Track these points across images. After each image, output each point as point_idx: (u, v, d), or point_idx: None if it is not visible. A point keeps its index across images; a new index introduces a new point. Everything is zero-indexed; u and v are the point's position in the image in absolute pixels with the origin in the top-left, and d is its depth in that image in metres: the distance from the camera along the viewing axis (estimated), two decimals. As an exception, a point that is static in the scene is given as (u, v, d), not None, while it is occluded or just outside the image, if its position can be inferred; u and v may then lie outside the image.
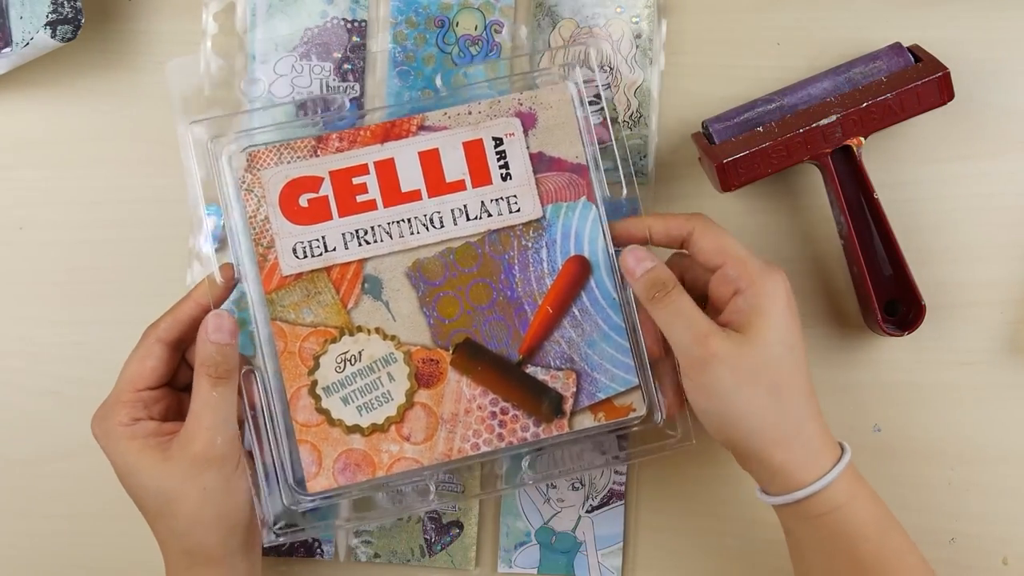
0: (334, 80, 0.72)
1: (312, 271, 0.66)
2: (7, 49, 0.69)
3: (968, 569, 0.71)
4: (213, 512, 0.63)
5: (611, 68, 0.71)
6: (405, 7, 0.72)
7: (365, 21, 0.72)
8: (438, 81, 0.69)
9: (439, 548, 0.72)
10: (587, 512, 0.71)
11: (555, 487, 0.71)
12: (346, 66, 0.72)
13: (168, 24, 0.74)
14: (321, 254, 0.66)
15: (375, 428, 0.66)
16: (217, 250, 0.71)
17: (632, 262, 0.64)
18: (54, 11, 0.68)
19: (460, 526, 0.71)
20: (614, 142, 0.67)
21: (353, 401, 0.66)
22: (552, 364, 0.66)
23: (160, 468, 0.62)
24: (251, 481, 0.64)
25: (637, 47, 0.71)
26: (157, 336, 0.64)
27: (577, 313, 0.67)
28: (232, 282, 0.66)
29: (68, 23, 0.69)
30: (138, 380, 0.64)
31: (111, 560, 0.73)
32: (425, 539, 0.71)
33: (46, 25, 0.68)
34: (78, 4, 0.69)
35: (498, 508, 0.72)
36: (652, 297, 0.63)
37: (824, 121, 0.67)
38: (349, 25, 0.72)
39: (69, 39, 0.69)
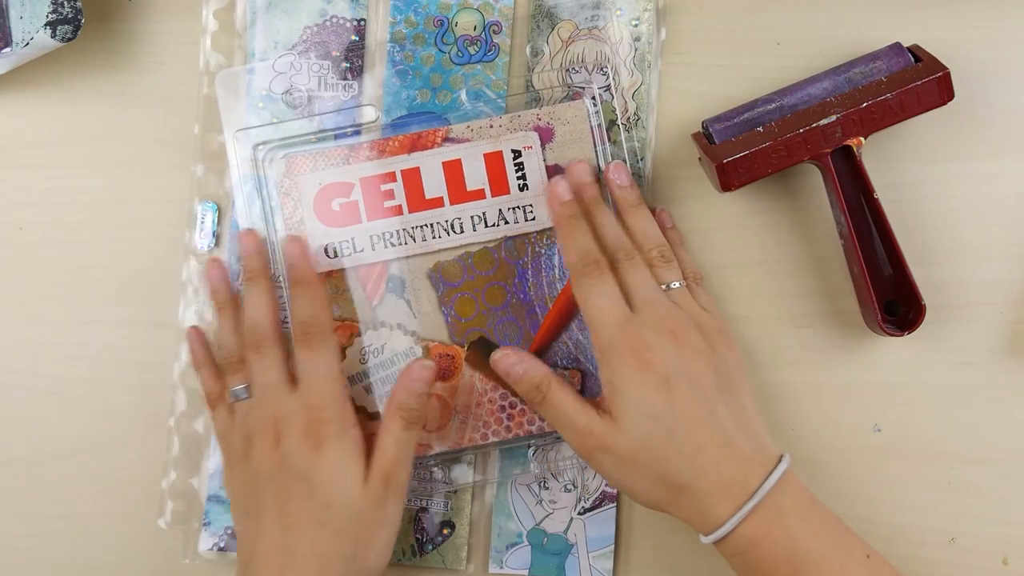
0: (333, 78, 0.72)
1: (342, 270, 0.70)
2: (7, 49, 0.69)
3: (968, 569, 0.71)
4: (381, 543, 0.65)
5: (610, 70, 0.71)
6: (404, 6, 0.72)
7: (364, 20, 0.72)
8: (463, 96, 0.72)
9: (430, 548, 0.72)
10: (579, 514, 0.71)
11: (547, 488, 0.71)
12: (344, 64, 0.72)
13: (168, 24, 0.74)
14: (350, 254, 0.70)
15: None
16: (214, 247, 0.72)
17: (506, 366, 0.65)
18: (54, 11, 0.68)
19: (452, 526, 0.72)
20: (609, 150, 0.70)
21: (375, 390, 0.71)
22: (559, 363, 0.70)
23: (361, 484, 0.64)
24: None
25: (636, 50, 0.71)
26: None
27: None
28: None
29: (68, 23, 0.69)
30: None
31: (111, 560, 0.73)
32: (416, 538, 0.71)
33: (46, 25, 0.68)
34: (78, 4, 0.69)
35: (490, 508, 0.72)
36: (534, 400, 0.65)
37: (824, 121, 0.67)
38: (348, 24, 0.72)
39: (69, 39, 0.69)
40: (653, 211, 0.70)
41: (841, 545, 0.62)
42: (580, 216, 0.66)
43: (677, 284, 0.66)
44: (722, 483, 0.61)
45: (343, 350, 0.70)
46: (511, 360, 0.65)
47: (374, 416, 0.70)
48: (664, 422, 0.61)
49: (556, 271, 0.70)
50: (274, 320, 0.67)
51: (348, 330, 0.70)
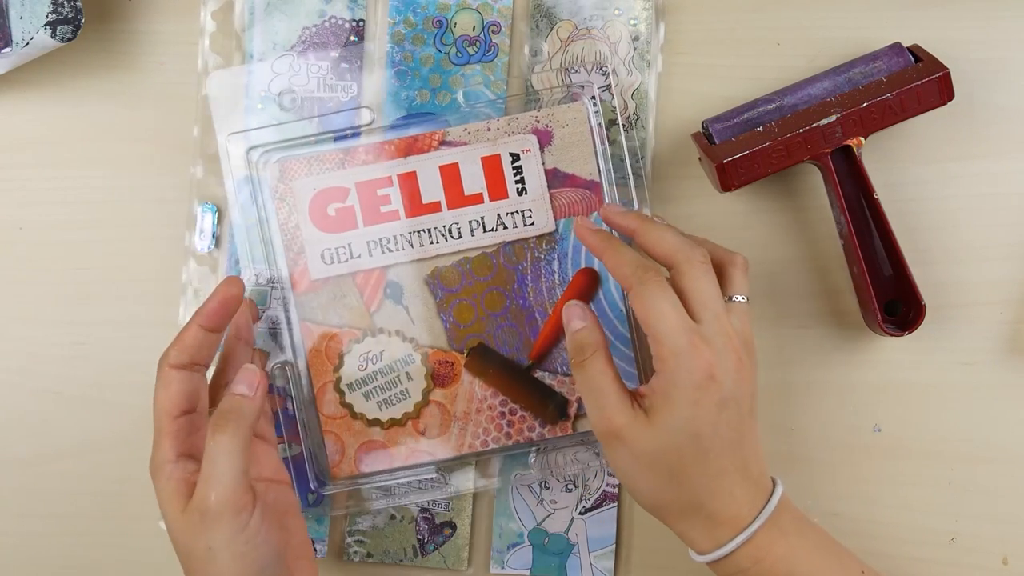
0: (331, 79, 0.72)
1: (339, 276, 0.70)
2: (7, 49, 0.69)
3: (968, 569, 0.71)
4: (217, 572, 0.59)
5: (609, 70, 0.71)
6: (403, 7, 0.72)
7: (363, 21, 0.72)
8: (460, 97, 0.71)
9: (432, 548, 0.72)
10: (580, 514, 0.71)
11: (548, 488, 0.71)
12: (343, 65, 0.72)
13: (168, 24, 0.74)
14: (347, 260, 0.70)
15: (393, 422, 0.70)
16: (213, 248, 0.72)
17: (567, 316, 0.63)
18: (54, 11, 0.68)
19: (453, 526, 0.72)
20: (611, 145, 0.70)
21: (374, 397, 0.70)
22: (559, 370, 0.70)
23: (179, 519, 0.59)
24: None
25: (635, 49, 0.71)
26: (169, 363, 0.62)
27: None
28: (237, 302, 0.64)
29: (68, 23, 0.69)
30: (169, 407, 0.61)
31: (111, 560, 0.73)
32: (418, 539, 0.72)
33: (46, 25, 0.68)
34: (78, 4, 0.69)
35: (491, 509, 0.72)
36: (574, 361, 0.62)
37: (824, 121, 0.67)
38: (347, 24, 0.72)
39: (69, 39, 0.69)
40: None
41: (838, 560, 0.63)
42: (615, 237, 0.64)
43: (740, 298, 0.62)
44: (732, 506, 0.60)
45: (341, 357, 0.70)
46: (575, 312, 0.63)
47: (373, 423, 0.70)
48: (703, 442, 0.59)
49: (555, 276, 0.70)
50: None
51: (346, 337, 0.70)
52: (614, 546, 0.71)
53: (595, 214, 0.69)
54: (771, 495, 0.61)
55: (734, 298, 0.62)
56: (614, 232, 0.66)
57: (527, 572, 0.72)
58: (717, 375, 0.59)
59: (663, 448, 0.59)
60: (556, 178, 0.70)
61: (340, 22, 0.72)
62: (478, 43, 0.72)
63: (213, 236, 0.72)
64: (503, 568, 0.72)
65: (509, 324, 0.70)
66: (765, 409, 0.71)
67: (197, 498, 0.58)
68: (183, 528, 0.59)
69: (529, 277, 0.70)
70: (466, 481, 0.71)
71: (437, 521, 0.72)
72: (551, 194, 0.70)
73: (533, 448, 0.71)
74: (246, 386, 0.61)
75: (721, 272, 0.63)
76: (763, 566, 0.60)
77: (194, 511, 0.58)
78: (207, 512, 0.58)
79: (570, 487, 0.71)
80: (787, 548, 0.61)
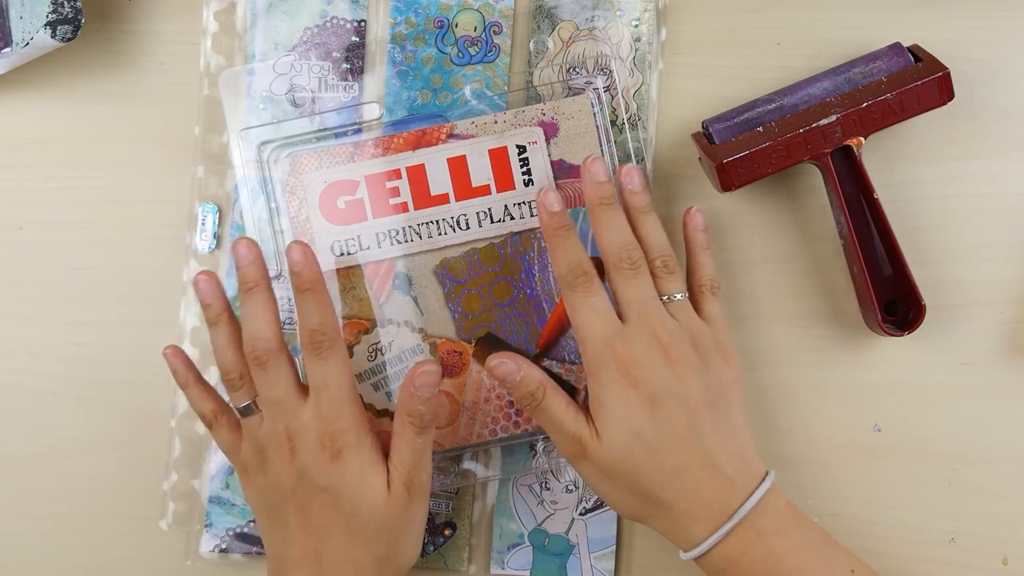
0: (333, 79, 0.72)
1: (348, 268, 0.70)
2: (7, 49, 0.69)
3: (968, 569, 0.71)
4: (411, 541, 0.65)
5: (611, 71, 0.71)
6: (404, 7, 0.72)
7: (364, 21, 0.72)
8: (467, 92, 0.72)
9: (432, 549, 0.72)
10: (580, 515, 0.71)
11: (549, 489, 0.71)
12: (345, 66, 0.72)
13: (168, 24, 0.74)
14: (356, 252, 0.70)
15: None
16: (215, 248, 0.72)
17: (503, 373, 0.64)
18: (54, 11, 0.68)
19: (453, 527, 0.72)
20: (614, 145, 0.70)
21: (383, 387, 0.71)
22: (567, 358, 0.71)
23: (384, 493, 0.63)
24: None
25: (636, 50, 0.71)
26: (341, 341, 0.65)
27: None
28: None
29: (68, 23, 0.69)
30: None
31: (111, 561, 0.73)
32: (419, 540, 0.72)
33: (46, 25, 0.68)
34: (78, 4, 0.69)
35: (491, 509, 0.72)
36: (528, 407, 0.64)
37: (824, 121, 0.67)
38: (348, 25, 0.72)
39: (69, 39, 0.69)
40: (688, 210, 0.68)
41: (824, 561, 0.62)
42: (571, 227, 0.65)
43: (679, 296, 0.65)
44: (702, 504, 0.61)
45: (350, 348, 0.70)
46: (509, 367, 0.64)
47: (382, 413, 0.70)
48: (646, 439, 0.61)
49: (562, 266, 0.70)
50: (276, 332, 0.64)
51: (356, 328, 0.70)
52: (614, 547, 0.71)
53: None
54: (752, 493, 0.62)
55: (672, 297, 0.65)
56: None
57: (527, 573, 0.72)
58: (637, 375, 0.61)
59: (617, 455, 0.61)
60: (562, 169, 0.70)
61: (341, 22, 0.72)
62: (479, 43, 0.72)
63: (214, 236, 0.72)
64: (503, 568, 0.72)
65: (517, 314, 0.70)
66: (765, 409, 0.71)
67: (407, 478, 0.64)
68: (390, 502, 0.63)
69: (536, 267, 0.71)
70: (473, 471, 0.71)
71: (437, 521, 0.72)
72: (557, 184, 0.70)
73: (541, 437, 0.71)
74: (432, 387, 0.64)
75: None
76: (739, 567, 0.61)
77: (403, 489, 0.64)
78: (419, 490, 0.64)
79: (570, 488, 0.72)
80: (764, 550, 0.61)
